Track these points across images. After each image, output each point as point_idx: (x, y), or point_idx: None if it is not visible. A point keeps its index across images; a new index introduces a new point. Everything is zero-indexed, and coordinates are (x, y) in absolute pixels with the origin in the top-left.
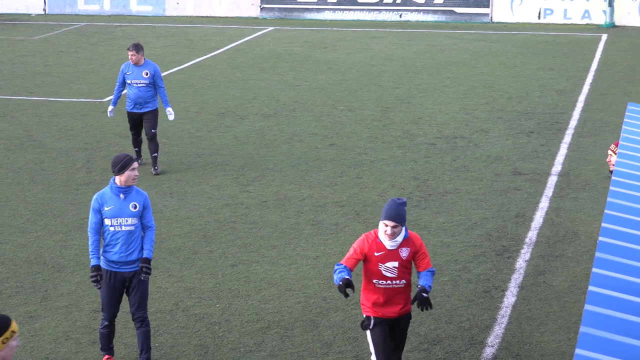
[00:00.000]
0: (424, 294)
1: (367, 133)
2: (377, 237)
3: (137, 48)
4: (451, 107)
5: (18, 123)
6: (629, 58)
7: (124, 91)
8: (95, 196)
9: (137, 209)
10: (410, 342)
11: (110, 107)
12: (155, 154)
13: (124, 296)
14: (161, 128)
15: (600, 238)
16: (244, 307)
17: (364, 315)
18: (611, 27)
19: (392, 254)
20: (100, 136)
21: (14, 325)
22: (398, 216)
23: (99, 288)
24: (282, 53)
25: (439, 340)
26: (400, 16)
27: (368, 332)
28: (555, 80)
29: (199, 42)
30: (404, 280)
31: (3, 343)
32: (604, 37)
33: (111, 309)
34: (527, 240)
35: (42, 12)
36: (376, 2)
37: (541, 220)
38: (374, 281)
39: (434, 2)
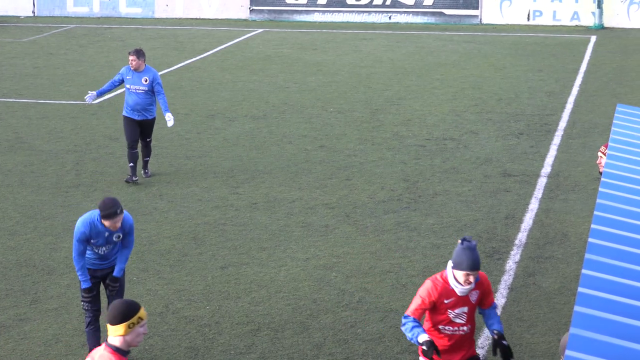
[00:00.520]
0: (504, 342)
1: (356, 135)
2: (446, 282)
3: (139, 54)
4: (440, 108)
5: (7, 125)
6: (618, 59)
7: (111, 92)
8: (82, 228)
9: (120, 238)
10: (400, 344)
11: (93, 93)
12: (147, 158)
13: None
14: None
15: (590, 239)
16: (234, 309)
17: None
18: (600, 28)
19: (462, 300)
20: (90, 138)
21: (142, 312)
22: (479, 263)
23: (87, 309)
24: (271, 55)
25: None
26: (390, 18)
27: None
28: (544, 81)
29: (188, 44)
30: (470, 325)
31: (129, 327)
32: (593, 38)
33: (94, 306)
34: (516, 241)
35: (31, 14)
36: (365, 4)
37: (531, 221)
38: (440, 327)
39: (423, 3)
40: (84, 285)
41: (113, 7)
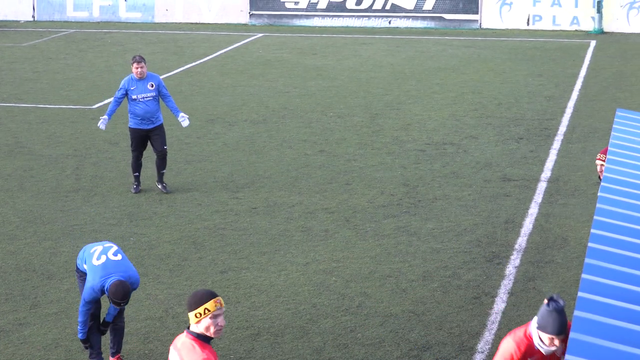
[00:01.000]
0: None
1: (356, 139)
2: (530, 342)
3: (144, 60)
4: (440, 113)
5: (7, 130)
6: (618, 64)
7: (113, 106)
8: (97, 283)
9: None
10: (400, 348)
11: (105, 117)
12: (164, 171)
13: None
14: None
15: (590, 244)
16: (234, 313)
17: None
18: (600, 33)
19: (546, 357)
20: (90, 143)
21: (210, 304)
22: (565, 326)
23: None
24: (271, 59)
25: (429, 347)
26: (390, 22)
27: None
28: (544, 86)
29: (188, 49)
30: None
31: (196, 317)
32: (593, 43)
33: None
34: (516, 246)
35: (31, 19)
36: (365, 9)
37: (531, 226)
38: None
39: (423, 8)
40: (80, 337)
41: (113, 11)
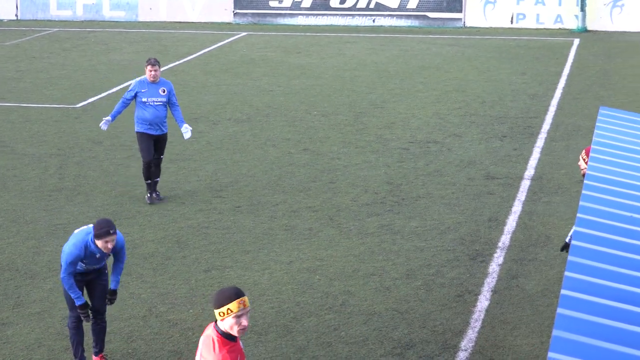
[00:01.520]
0: None
1: (340, 138)
2: None
3: (159, 63)
4: (424, 111)
5: None
6: (601, 62)
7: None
8: (77, 251)
9: (110, 256)
10: (383, 346)
11: (109, 119)
12: (158, 179)
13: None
14: (133, 134)
15: (573, 242)
16: None
17: None
18: (583, 31)
19: None
20: (73, 142)
21: (233, 305)
22: None
23: (87, 320)
24: (255, 58)
25: (413, 345)
26: (374, 21)
27: None
28: (528, 84)
29: (172, 48)
30: None
31: (220, 315)
32: (576, 41)
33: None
34: (500, 244)
35: (14, 18)
36: (349, 7)
37: (514, 224)
38: None
39: (407, 7)
40: (79, 302)
41: (96, 10)
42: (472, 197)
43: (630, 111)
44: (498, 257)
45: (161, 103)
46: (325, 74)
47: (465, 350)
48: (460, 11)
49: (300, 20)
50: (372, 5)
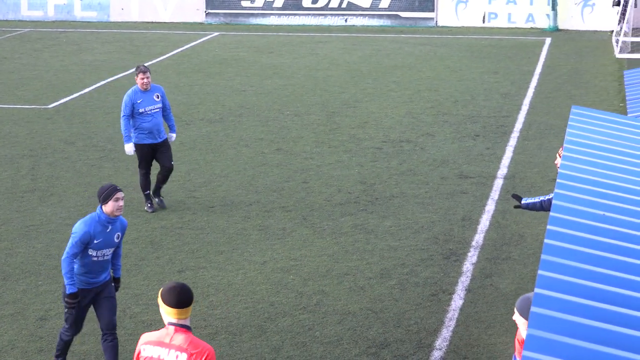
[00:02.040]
0: None
1: (313, 138)
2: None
3: (149, 70)
4: (397, 111)
5: None
6: (573, 61)
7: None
8: (83, 228)
9: (119, 239)
10: (358, 346)
11: (131, 144)
12: (163, 185)
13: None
14: (106, 134)
15: (546, 240)
16: (192, 313)
17: None
18: (555, 30)
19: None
20: (46, 143)
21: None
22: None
23: (69, 316)
24: (227, 58)
25: (387, 344)
26: (346, 21)
27: None
28: (500, 83)
29: (144, 48)
30: None
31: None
32: (548, 40)
33: (79, 327)
34: (473, 243)
35: None
36: (321, 7)
37: (487, 223)
38: None
39: (379, 6)
40: (70, 290)
41: (68, 11)
42: (446, 196)
43: (601, 110)
44: (472, 256)
45: (158, 109)
46: (298, 73)
47: (440, 349)
48: (433, 10)
49: (273, 20)
50: (344, 5)
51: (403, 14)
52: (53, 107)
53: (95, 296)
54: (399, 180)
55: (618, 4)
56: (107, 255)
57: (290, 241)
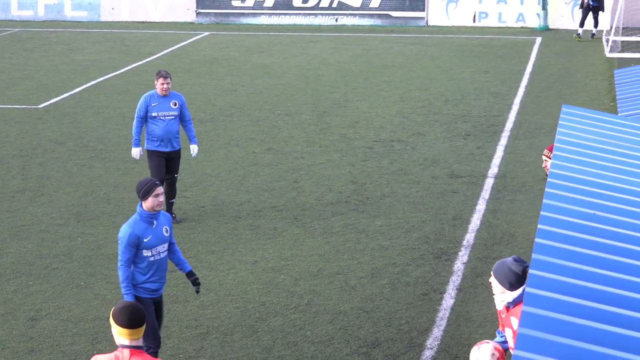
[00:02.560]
0: None
1: (304, 137)
2: None
3: (170, 76)
4: (388, 110)
5: None
6: (563, 61)
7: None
8: (128, 230)
9: (169, 232)
10: (349, 345)
11: (139, 149)
12: (173, 200)
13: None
14: (97, 134)
15: (537, 239)
16: (183, 312)
17: None
18: (545, 30)
19: (504, 319)
20: (36, 143)
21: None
22: (500, 272)
23: None
24: (218, 58)
25: (378, 344)
26: (337, 20)
27: None
28: (490, 83)
29: (135, 48)
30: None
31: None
32: (538, 40)
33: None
34: (464, 242)
35: None
36: (312, 7)
37: (478, 222)
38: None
39: (370, 6)
40: (128, 299)
41: (58, 10)
42: (437, 196)
43: (592, 109)
44: (463, 256)
45: (173, 117)
46: (289, 73)
47: (431, 348)
48: (423, 10)
49: (263, 20)
50: (334, 5)
51: (394, 14)
52: (43, 107)
53: (156, 307)
54: (389, 180)
55: (581, 6)
56: (162, 252)
57: (281, 241)
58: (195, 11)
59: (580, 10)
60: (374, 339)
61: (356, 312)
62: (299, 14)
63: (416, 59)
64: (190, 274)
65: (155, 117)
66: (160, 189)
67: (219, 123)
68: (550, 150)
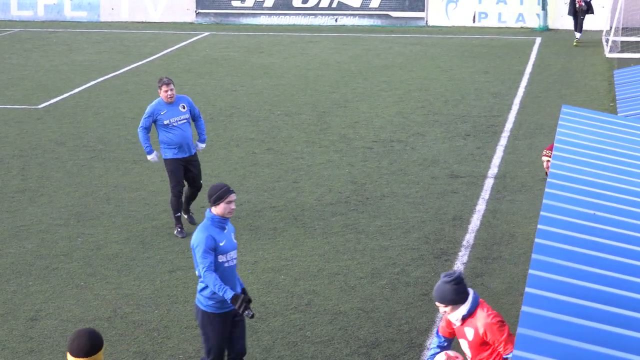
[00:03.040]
0: None
1: (304, 137)
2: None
3: (173, 82)
4: (387, 110)
5: None
6: (563, 61)
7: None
8: (204, 234)
9: (235, 240)
10: (349, 345)
11: (155, 153)
12: (192, 201)
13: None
14: (97, 134)
15: (537, 240)
16: (183, 313)
17: None
18: (545, 30)
19: (457, 331)
20: (36, 143)
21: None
22: (439, 296)
23: (252, 315)
24: (218, 58)
25: (378, 344)
26: (336, 20)
27: None
28: (490, 83)
29: (135, 48)
30: None
31: None
32: (538, 40)
33: (222, 350)
34: (464, 242)
35: None
36: (312, 7)
37: (478, 222)
38: None
39: (370, 6)
40: (230, 294)
41: (58, 10)
42: (436, 196)
43: (591, 109)
44: (462, 256)
45: (185, 120)
46: (288, 73)
47: (429, 348)
48: (423, 10)
49: (263, 20)
50: (334, 5)
51: (393, 14)
52: (43, 107)
53: (233, 315)
54: (389, 180)
55: (570, 13)
56: (234, 258)
57: (281, 241)
58: (195, 11)
59: (571, 16)
60: (373, 339)
61: (356, 313)
62: (299, 14)
63: (416, 59)
64: (244, 291)
65: (167, 125)
66: (233, 196)
67: (219, 123)
68: (550, 149)
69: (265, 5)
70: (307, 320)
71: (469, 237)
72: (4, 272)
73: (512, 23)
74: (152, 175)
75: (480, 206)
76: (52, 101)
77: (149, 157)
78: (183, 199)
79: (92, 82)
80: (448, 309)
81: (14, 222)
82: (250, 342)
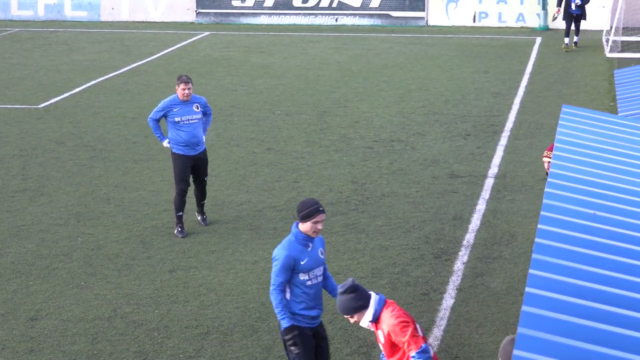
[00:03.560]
0: None
1: (304, 137)
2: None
3: (192, 80)
4: (388, 110)
5: None
6: (563, 61)
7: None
8: (284, 252)
9: (323, 255)
10: (349, 345)
11: (167, 139)
12: (204, 201)
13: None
14: (97, 134)
15: (537, 239)
16: (183, 313)
17: None
18: (545, 30)
19: (377, 336)
20: (36, 143)
21: None
22: (340, 308)
23: (297, 352)
24: (218, 58)
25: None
26: (336, 20)
27: None
28: (490, 83)
29: (135, 48)
30: None
31: None
32: (538, 40)
33: None
34: (464, 242)
35: None
36: (312, 7)
37: (478, 222)
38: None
39: (370, 6)
40: (285, 324)
41: (58, 10)
42: (437, 196)
43: (592, 109)
44: (463, 256)
45: (197, 120)
46: (289, 73)
47: (431, 348)
48: (423, 10)
49: (263, 20)
50: (334, 5)
51: (394, 14)
52: (43, 107)
53: (318, 331)
54: (389, 180)
55: (563, 18)
56: (319, 276)
57: (281, 241)
58: (195, 11)
59: (563, 20)
60: (374, 339)
61: None
62: (299, 14)
63: (416, 59)
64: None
65: (178, 122)
66: (322, 216)
67: (219, 123)
68: (550, 150)
69: (265, 5)
70: None
71: (469, 237)
72: (4, 272)
73: (512, 23)
74: (152, 175)
75: (481, 206)
76: (52, 101)
77: (164, 144)
78: (195, 200)
79: (92, 82)
80: (356, 317)
81: (14, 222)
82: (250, 341)
